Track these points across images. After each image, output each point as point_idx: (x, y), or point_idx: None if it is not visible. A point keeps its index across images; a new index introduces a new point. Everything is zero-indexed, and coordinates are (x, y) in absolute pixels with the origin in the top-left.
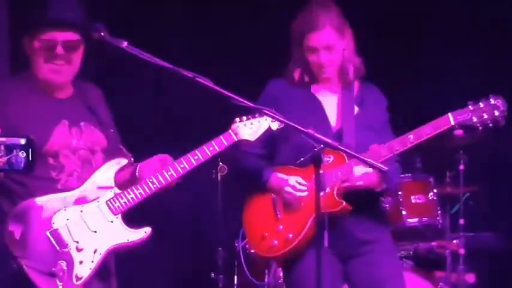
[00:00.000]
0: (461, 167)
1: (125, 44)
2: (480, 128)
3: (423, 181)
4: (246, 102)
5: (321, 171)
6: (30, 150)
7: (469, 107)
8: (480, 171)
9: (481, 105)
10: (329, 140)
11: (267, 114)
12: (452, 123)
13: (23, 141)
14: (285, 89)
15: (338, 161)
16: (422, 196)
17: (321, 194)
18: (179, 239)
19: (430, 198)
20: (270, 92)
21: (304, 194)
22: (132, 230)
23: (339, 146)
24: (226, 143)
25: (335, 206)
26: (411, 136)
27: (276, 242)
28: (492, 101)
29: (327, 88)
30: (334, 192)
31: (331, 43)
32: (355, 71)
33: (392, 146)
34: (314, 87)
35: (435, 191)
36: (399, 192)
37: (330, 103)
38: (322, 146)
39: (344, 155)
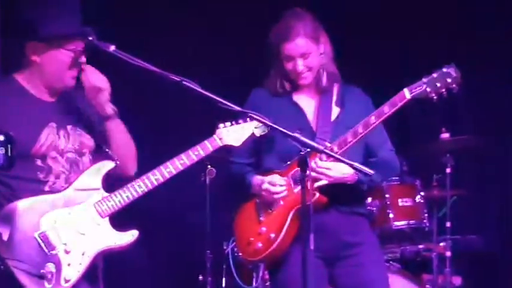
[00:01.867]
0: (448, 170)
1: (112, 48)
2: (435, 97)
3: (410, 184)
4: (233, 106)
5: (307, 173)
6: (9, 146)
7: (423, 79)
8: (467, 175)
9: (434, 75)
10: (315, 144)
11: (254, 118)
12: (408, 97)
13: (1, 138)
14: (267, 98)
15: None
16: (409, 199)
17: (296, 190)
18: (167, 241)
19: (417, 201)
20: (253, 101)
21: (281, 189)
22: (120, 233)
23: (325, 150)
24: (211, 148)
25: (309, 198)
26: (373, 117)
27: (260, 244)
28: (444, 70)
29: (306, 94)
30: (308, 186)
31: (306, 51)
32: (329, 77)
33: (356, 130)
34: (295, 94)
35: (422, 194)
36: (386, 196)
37: (310, 109)
38: (308, 149)
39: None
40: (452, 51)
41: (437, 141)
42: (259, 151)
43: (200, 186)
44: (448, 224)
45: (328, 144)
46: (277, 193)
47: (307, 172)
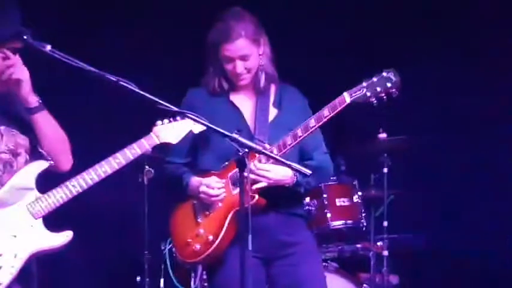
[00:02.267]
0: (385, 169)
1: (48, 47)
2: (375, 102)
3: (348, 184)
4: (170, 106)
5: (245, 174)
6: None
7: (363, 83)
8: (404, 174)
9: (374, 79)
10: (253, 144)
11: (191, 119)
12: (348, 101)
13: None
14: (204, 97)
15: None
16: (347, 199)
17: (235, 192)
18: (105, 242)
19: (355, 200)
20: (190, 101)
21: (219, 192)
22: (54, 234)
23: (263, 150)
24: (148, 146)
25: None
26: (312, 120)
27: (198, 246)
28: (384, 74)
29: (244, 94)
30: (247, 187)
31: (245, 53)
32: (267, 78)
33: (296, 134)
34: (232, 94)
35: (360, 193)
36: (324, 195)
37: (247, 109)
38: (246, 150)
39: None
40: (390, 50)
41: (374, 141)
42: (196, 151)
43: (138, 187)
44: (385, 223)
45: (268, 146)
46: (214, 196)
47: (246, 173)
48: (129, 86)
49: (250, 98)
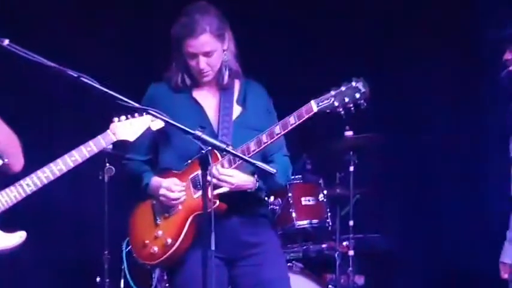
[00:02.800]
0: (352, 168)
1: (6, 42)
2: (343, 112)
3: (313, 183)
4: (131, 102)
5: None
6: None
7: (331, 92)
8: (370, 173)
9: (343, 88)
10: (217, 142)
11: (153, 115)
12: (315, 110)
13: None
14: (166, 93)
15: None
16: (312, 198)
17: (196, 195)
18: (64, 242)
19: (320, 199)
20: (152, 96)
21: (179, 195)
22: (7, 234)
23: (227, 148)
24: (104, 143)
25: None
26: (277, 127)
27: (155, 248)
28: (354, 84)
29: (207, 91)
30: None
31: (210, 49)
32: (231, 74)
33: (261, 140)
34: (195, 91)
35: (325, 192)
36: (289, 194)
37: (210, 106)
38: (209, 148)
39: (218, 154)
40: (358, 49)
41: (340, 139)
42: (156, 148)
43: (98, 185)
44: (351, 223)
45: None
46: (174, 199)
47: (208, 172)
48: (91, 82)
49: (213, 95)
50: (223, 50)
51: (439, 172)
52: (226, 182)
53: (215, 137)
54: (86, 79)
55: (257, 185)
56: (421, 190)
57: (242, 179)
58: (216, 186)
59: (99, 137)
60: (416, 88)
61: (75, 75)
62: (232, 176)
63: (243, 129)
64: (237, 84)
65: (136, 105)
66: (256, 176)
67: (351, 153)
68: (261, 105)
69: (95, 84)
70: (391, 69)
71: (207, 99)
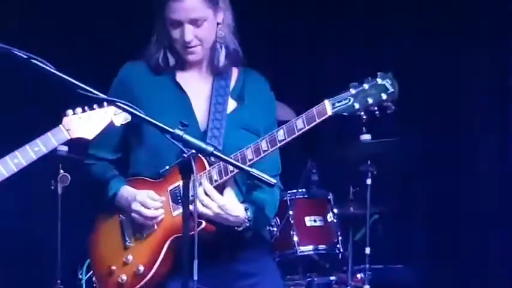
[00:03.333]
0: (369, 181)
1: None
2: (364, 117)
3: (320, 199)
4: (94, 92)
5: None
6: None
7: (351, 90)
8: (391, 188)
9: (366, 86)
10: (203, 144)
11: (121, 108)
12: (330, 113)
13: None
14: (143, 74)
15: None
16: (319, 218)
17: (176, 213)
18: (7, 267)
19: (329, 220)
20: (124, 79)
21: (156, 213)
22: None
23: (214, 152)
24: (55, 142)
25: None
26: (281, 132)
27: (124, 277)
28: (379, 80)
29: (196, 75)
30: (194, 210)
31: (198, 15)
32: (228, 55)
33: (260, 147)
34: (180, 73)
35: (335, 211)
36: (290, 212)
37: (198, 96)
38: (193, 151)
39: (205, 161)
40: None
41: (355, 144)
42: (128, 145)
43: (50, 197)
44: (367, 250)
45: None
46: (150, 218)
47: (191, 182)
48: (43, 65)
49: (204, 81)
50: (218, 23)
51: (476, 187)
52: (208, 208)
53: (202, 136)
54: (38, 61)
55: (246, 224)
56: (455, 210)
57: (233, 214)
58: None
59: (48, 134)
60: (450, 85)
61: (25, 56)
62: (224, 206)
63: (236, 129)
64: (234, 73)
65: (101, 95)
66: (247, 211)
67: (368, 162)
68: (261, 101)
69: (49, 68)
70: (419, 63)
71: (195, 85)
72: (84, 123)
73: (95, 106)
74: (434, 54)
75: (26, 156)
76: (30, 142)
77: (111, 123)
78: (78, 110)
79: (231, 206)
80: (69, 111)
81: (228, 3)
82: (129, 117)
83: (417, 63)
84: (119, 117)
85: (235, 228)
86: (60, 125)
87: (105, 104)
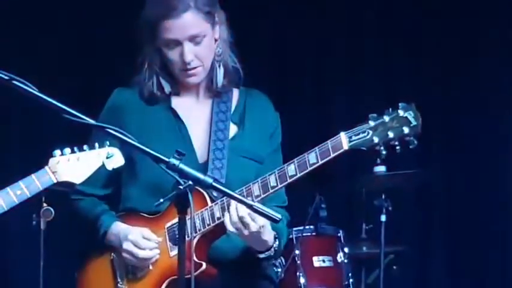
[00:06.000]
0: (383, 217)
1: None
2: (383, 152)
3: (330, 236)
4: (82, 117)
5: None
6: None
7: (369, 121)
8: (408, 225)
9: (386, 119)
10: (201, 175)
11: (112, 135)
12: (346, 147)
13: None
14: (135, 102)
15: (197, 206)
16: (328, 258)
17: (173, 253)
18: None
19: (339, 260)
20: (115, 105)
21: (151, 254)
22: None
23: (214, 184)
24: (40, 185)
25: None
26: (292, 167)
27: None
28: (401, 113)
29: (193, 100)
30: (192, 250)
31: (198, 31)
32: (226, 74)
33: (267, 182)
34: (175, 99)
35: (346, 250)
36: (296, 252)
37: (196, 123)
38: (190, 183)
39: (205, 196)
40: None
41: (369, 177)
42: (119, 179)
43: (32, 233)
44: None
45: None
46: (144, 260)
47: (188, 218)
48: (29, 89)
49: (201, 105)
50: (215, 40)
51: (501, 224)
52: (248, 227)
53: (201, 169)
54: (21, 83)
55: (271, 254)
56: (479, 249)
57: (264, 236)
58: (208, 236)
59: (33, 176)
60: (470, 115)
61: (6, 78)
62: (264, 227)
63: (236, 157)
64: (235, 93)
65: (90, 120)
66: (276, 240)
67: (383, 196)
68: (264, 125)
69: (32, 91)
70: (440, 89)
71: (193, 111)
72: (73, 166)
73: (85, 147)
74: (455, 86)
75: (7, 200)
76: (12, 184)
77: (103, 167)
78: (67, 150)
79: (267, 227)
80: (57, 152)
81: (223, 17)
82: (122, 161)
83: (436, 93)
84: (111, 160)
85: (257, 255)
86: (46, 167)
87: (96, 145)
